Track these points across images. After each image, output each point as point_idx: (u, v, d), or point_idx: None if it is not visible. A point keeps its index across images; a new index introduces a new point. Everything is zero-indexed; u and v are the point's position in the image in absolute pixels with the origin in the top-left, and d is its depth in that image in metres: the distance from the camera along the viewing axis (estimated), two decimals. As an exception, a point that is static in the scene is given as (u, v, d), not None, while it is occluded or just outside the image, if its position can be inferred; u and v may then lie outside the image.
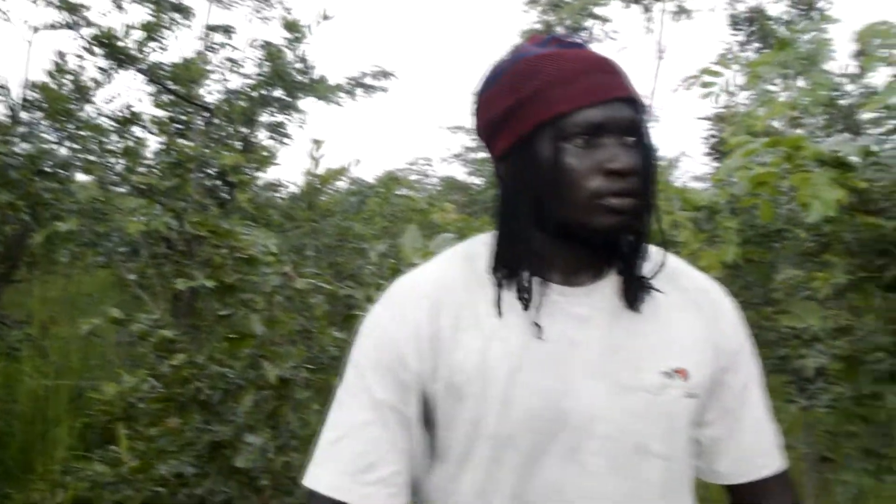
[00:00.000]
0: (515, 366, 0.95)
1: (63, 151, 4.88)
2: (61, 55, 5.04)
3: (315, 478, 0.97)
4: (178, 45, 5.86)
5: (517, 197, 0.96)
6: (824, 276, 2.07)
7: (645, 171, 0.93)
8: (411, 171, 15.86)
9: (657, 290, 1.00)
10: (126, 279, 4.94)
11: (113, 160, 4.55)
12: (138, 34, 4.69)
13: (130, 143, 4.97)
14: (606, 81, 0.93)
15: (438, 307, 0.98)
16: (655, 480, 0.98)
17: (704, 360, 1.01)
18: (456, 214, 6.10)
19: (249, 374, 2.27)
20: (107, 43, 4.47)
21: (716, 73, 2.69)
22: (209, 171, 5.33)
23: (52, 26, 5.78)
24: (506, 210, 0.98)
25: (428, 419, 1.00)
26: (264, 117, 5.93)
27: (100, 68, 4.95)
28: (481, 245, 1.04)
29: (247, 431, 2.26)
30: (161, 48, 4.99)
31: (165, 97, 5.56)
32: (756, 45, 10.24)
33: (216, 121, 5.68)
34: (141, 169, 4.63)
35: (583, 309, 0.98)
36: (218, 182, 5.57)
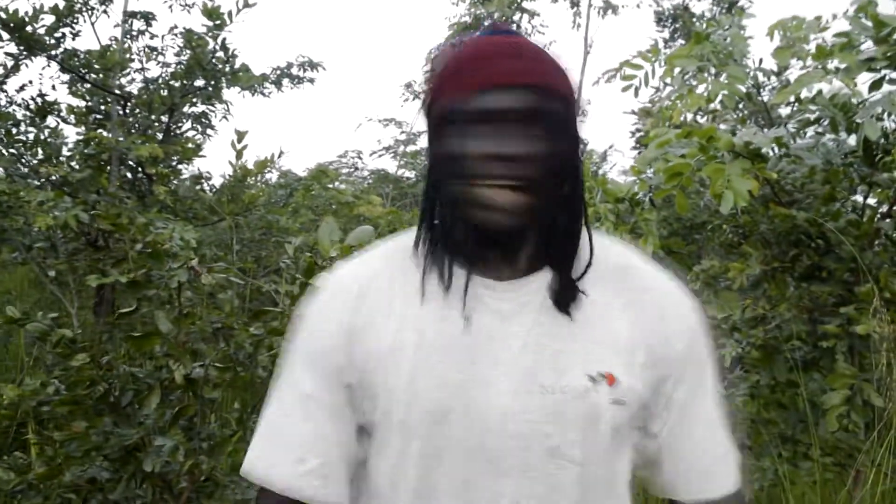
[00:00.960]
0: (425, 355, 0.93)
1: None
2: (-34, 41, 4.78)
3: (251, 466, 1.00)
4: (96, 33, 5.61)
5: (428, 186, 0.96)
6: (739, 267, 2.09)
7: (541, 160, 0.87)
8: (342, 164, 15.71)
9: (583, 293, 0.94)
10: (43, 276, 4.74)
11: (22, 151, 4.33)
12: (48, 19, 4.47)
13: (43, 134, 4.77)
14: (503, 68, 0.88)
15: (360, 300, 0.98)
16: (569, 486, 0.93)
17: (637, 366, 0.94)
18: (383, 208, 6.04)
19: (160, 374, 2.17)
20: (13, 28, 4.25)
21: (636, 66, 2.71)
22: (130, 162, 5.14)
23: (-43, 11, 5.50)
24: (422, 199, 0.98)
25: (356, 408, 0.99)
26: (187, 108, 5.76)
27: (7, 54, 4.71)
28: (411, 238, 1.01)
29: (157, 433, 2.16)
30: (74, 34, 4.77)
31: (81, 86, 5.35)
32: (681, 41, 10.47)
33: (136, 111, 5.49)
34: (54, 160, 4.44)
35: (507, 304, 0.94)
36: (140, 174, 5.39)
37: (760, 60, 2.85)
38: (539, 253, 0.95)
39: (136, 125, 5.48)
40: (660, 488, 1.04)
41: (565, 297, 0.93)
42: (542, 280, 0.95)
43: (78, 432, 2.35)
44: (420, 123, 17.79)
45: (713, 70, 2.48)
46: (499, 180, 0.86)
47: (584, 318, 0.94)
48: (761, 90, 3.10)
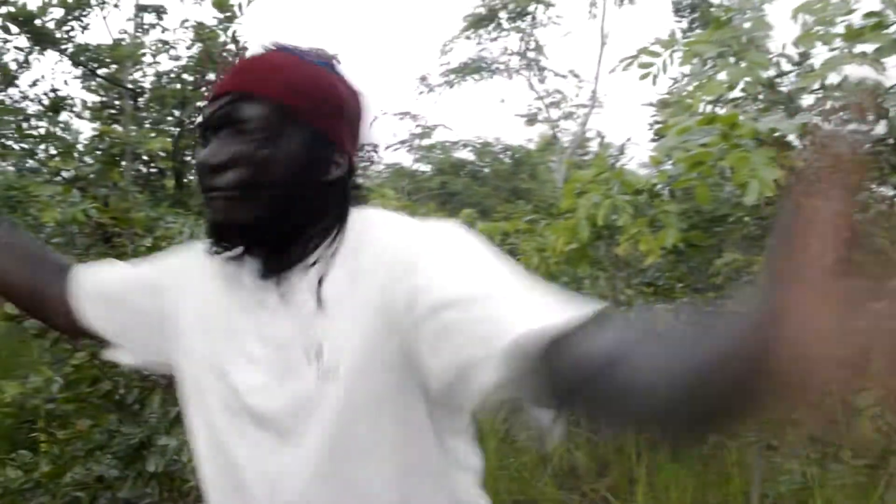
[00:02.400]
0: (198, 329, 1.01)
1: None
2: (-22, 36, 4.75)
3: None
4: (107, 26, 5.58)
5: None
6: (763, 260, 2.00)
7: (244, 166, 0.91)
8: (357, 158, 15.62)
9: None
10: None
11: (32, 146, 4.30)
12: (57, 13, 4.42)
13: (57, 129, 4.74)
14: (228, 80, 0.95)
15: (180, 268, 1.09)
16: (299, 467, 0.92)
17: (357, 335, 0.89)
18: (398, 202, 5.97)
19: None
20: (22, 21, 4.21)
21: (654, 54, 2.62)
22: (143, 157, 5.11)
23: (-31, 5, 5.48)
24: None
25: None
26: (200, 102, 5.72)
27: (17, 48, 4.68)
28: None
29: (161, 433, 2.11)
30: (83, 27, 4.73)
31: (94, 81, 5.32)
32: (699, 31, 10.31)
33: (151, 105, 5.46)
34: (63, 157, 4.40)
35: (259, 296, 0.97)
36: (153, 169, 5.36)
37: (783, 46, 2.75)
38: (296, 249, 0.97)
39: (149, 119, 5.44)
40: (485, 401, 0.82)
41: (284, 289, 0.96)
42: (296, 274, 0.96)
43: (82, 431, 2.31)
44: (424, 117, 17.72)
45: (734, 56, 2.39)
46: (211, 192, 0.92)
47: (313, 296, 0.94)
48: (784, 77, 3.00)
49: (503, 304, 0.78)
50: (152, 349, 1.10)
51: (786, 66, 3.12)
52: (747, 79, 2.22)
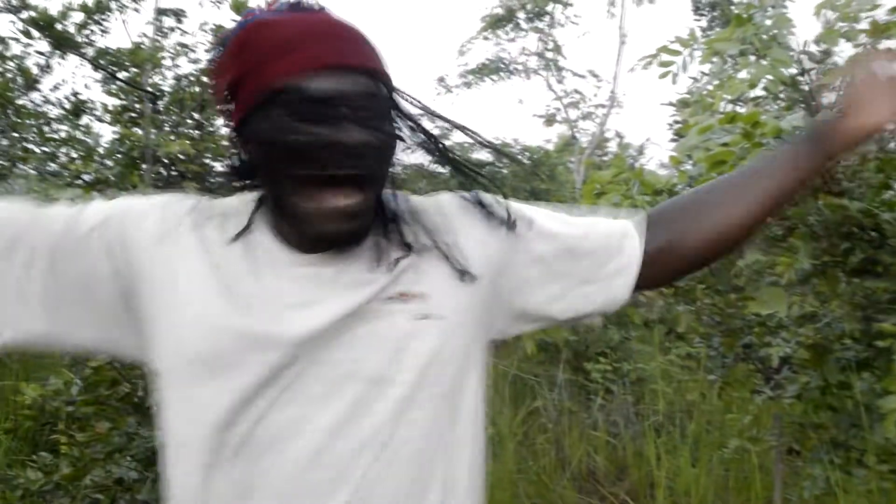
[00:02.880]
0: (224, 303, 0.90)
1: (4, 141, 4.67)
2: (1, 40, 4.81)
3: None
4: (127, 30, 5.63)
5: (256, 168, 0.92)
6: (787, 261, 1.97)
7: (376, 148, 0.88)
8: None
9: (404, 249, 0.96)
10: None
11: (54, 149, 4.34)
12: (78, 17, 4.46)
13: (78, 133, 4.78)
14: (332, 48, 0.86)
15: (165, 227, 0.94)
16: (381, 408, 0.90)
17: (453, 285, 0.96)
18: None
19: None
20: (44, 26, 4.25)
21: (674, 52, 2.58)
22: (163, 160, 5.14)
23: (-8, 10, 5.54)
24: (258, 177, 0.95)
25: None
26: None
27: (38, 52, 4.73)
28: (242, 205, 0.98)
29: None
30: (103, 32, 4.77)
31: (114, 84, 5.35)
32: (719, 30, 10.22)
33: (170, 108, 5.49)
34: (85, 160, 4.43)
35: (310, 269, 0.92)
36: (173, 172, 5.38)
37: (805, 43, 2.70)
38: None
39: (169, 122, 5.47)
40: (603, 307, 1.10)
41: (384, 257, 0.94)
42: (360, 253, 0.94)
43: (101, 433, 2.31)
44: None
45: (756, 54, 2.35)
46: (341, 170, 0.85)
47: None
48: (807, 74, 2.95)
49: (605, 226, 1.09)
50: (68, 320, 0.93)
51: (808, 64, 3.07)
52: (769, 77, 2.18)
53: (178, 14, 5.91)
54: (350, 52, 0.87)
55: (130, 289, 0.93)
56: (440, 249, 0.96)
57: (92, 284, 0.93)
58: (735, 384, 2.96)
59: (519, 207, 1.05)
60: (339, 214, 0.87)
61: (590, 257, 1.05)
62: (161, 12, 5.82)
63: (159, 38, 5.90)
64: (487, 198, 1.04)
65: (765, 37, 2.36)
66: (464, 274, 0.95)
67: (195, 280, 0.91)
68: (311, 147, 0.84)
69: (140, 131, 5.01)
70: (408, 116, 0.95)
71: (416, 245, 0.96)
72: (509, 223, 1.01)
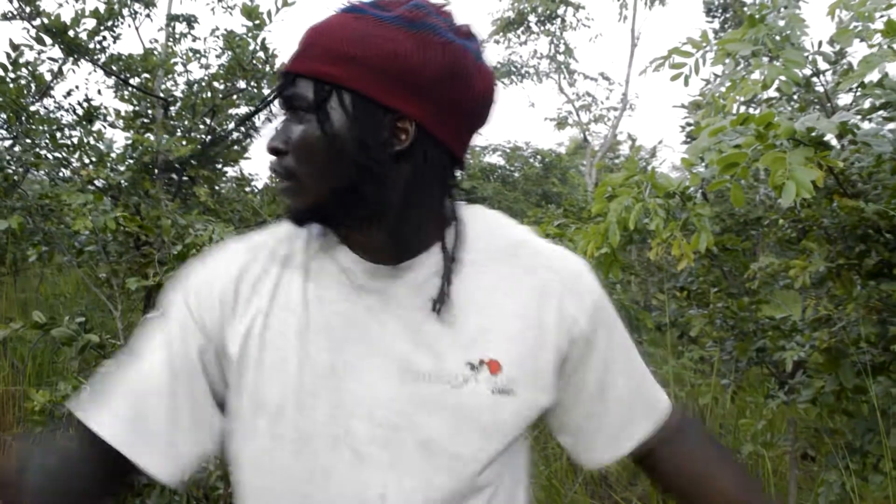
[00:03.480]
0: (295, 335, 0.90)
1: (17, 147, 4.69)
2: (15, 47, 4.83)
3: (95, 421, 0.91)
4: (139, 36, 5.65)
5: None
6: (801, 264, 1.94)
7: (305, 147, 0.86)
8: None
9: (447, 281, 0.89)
10: (92, 278, 4.77)
11: (66, 155, 4.36)
12: (90, 23, 4.48)
13: (90, 139, 4.79)
14: (296, 55, 0.88)
15: (243, 272, 0.95)
16: (441, 481, 0.88)
17: (527, 350, 0.90)
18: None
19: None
20: (57, 33, 4.27)
21: (686, 54, 2.56)
22: (175, 165, 5.15)
23: (5, 16, 5.58)
24: None
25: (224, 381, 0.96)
26: (231, 110, 5.75)
27: (51, 59, 4.75)
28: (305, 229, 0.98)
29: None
30: (115, 38, 4.79)
31: (127, 90, 5.38)
32: (731, 31, 10.16)
33: (182, 113, 5.51)
34: (97, 166, 4.45)
35: (388, 287, 0.90)
36: (184, 177, 5.40)
37: (819, 44, 2.68)
38: (417, 234, 0.91)
39: (180, 127, 5.49)
40: (593, 459, 1.02)
41: (442, 285, 0.89)
42: (427, 263, 0.91)
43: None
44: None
45: (766, 56, 2.33)
46: (277, 170, 0.88)
47: (471, 299, 0.90)
48: (821, 76, 2.92)
49: (649, 391, 1.02)
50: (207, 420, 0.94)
51: (822, 65, 3.04)
52: (782, 78, 2.15)
53: (190, 20, 5.94)
54: (300, 59, 0.87)
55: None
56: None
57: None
58: (748, 388, 2.93)
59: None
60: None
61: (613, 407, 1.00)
62: (173, 18, 5.84)
63: (171, 44, 5.92)
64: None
65: (777, 37, 2.33)
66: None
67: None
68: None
69: (152, 137, 5.02)
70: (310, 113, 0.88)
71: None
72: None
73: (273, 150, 0.87)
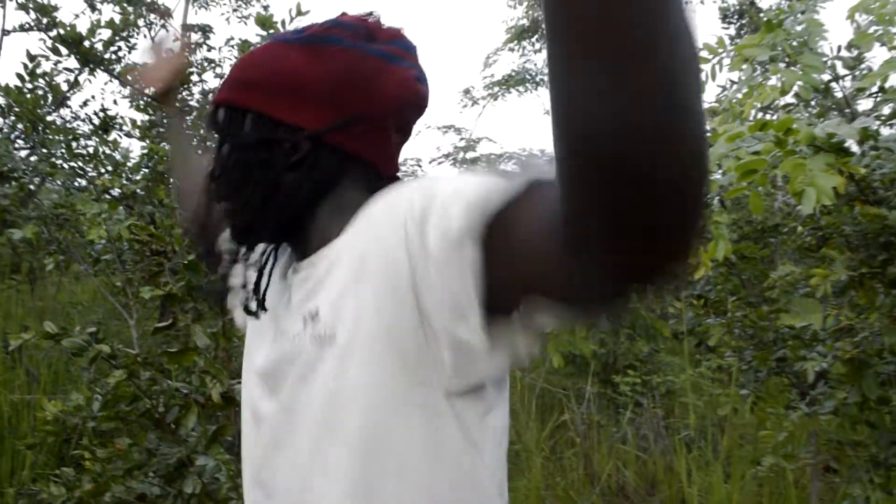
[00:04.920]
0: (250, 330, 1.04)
1: (34, 157, 4.71)
2: (32, 58, 4.87)
3: None
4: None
5: None
6: (823, 273, 1.90)
7: (224, 170, 0.91)
8: (402, 172, 15.68)
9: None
10: (108, 287, 4.79)
11: (82, 164, 4.38)
12: (105, 34, 4.50)
13: (106, 148, 4.82)
14: (223, 83, 0.93)
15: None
16: (302, 443, 0.85)
17: (346, 295, 0.80)
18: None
19: (204, 391, 2.10)
20: (72, 43, 4.29)
21: (702, 60, 2.53)
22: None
23: (23, 28, 5.63)
24: None
25: None
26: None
27: (67, 69, 4.79)
28: None
29: (199, 452, 2.08)
30: (130, 48, 4.81)
31: (142, 100, 5.40)
32: (748, 37, 10.08)
33: (197, 123, 5.52)
34: (112, 175, 4.47)
35: (290, 280, 0.94)
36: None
37: (839, 48, 2.64)
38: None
39: (196, 137, 5.50)
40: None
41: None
42: (324, 253, 0.89)
43: (121, 450, 2.29)
44: (468, 130, 17.80)
45: (786, 60, 2.29)
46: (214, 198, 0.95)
47: (318, 257, 0.89)
48: (840, 81, 2.88)
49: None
50: None
51: (841, 70, 3.00)
52: (801, 83, 2.11)
53: (205, 30, 5.98)
54: (225, 87, 0.92)
55: None
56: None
57: None
58: (768, 399, 2.88)
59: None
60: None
61: None
62: (188, 28, 5.89)
63: (186, 54, 5.97)
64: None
65: (795, 42, 2.29)
66: None
67: None
68: None
69: (167, 146, 5.03)
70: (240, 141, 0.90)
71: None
72: None
73: (209, 176, 0.93)
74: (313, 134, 0.87)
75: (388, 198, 0.81)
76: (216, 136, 0.91)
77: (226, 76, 0.93)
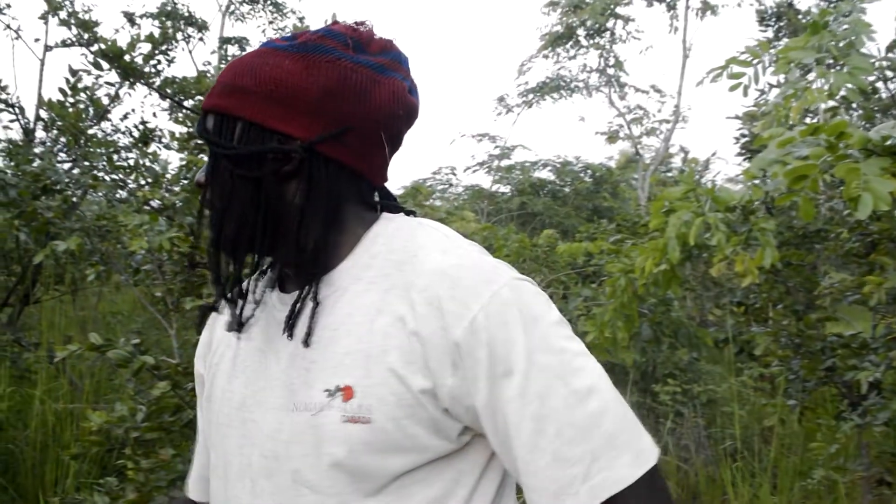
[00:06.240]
0: (225, 368, 0.96)
1: (76, 170, 4.80)
2: (74, 73, 4.96)
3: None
4: (193, 59, 5.77)
5: None
6: (876, 280, 1.84)
7: (213, 177, 0.89)
8: (436, 181, 15.71)
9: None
10: (148, 297, 4.85)
11: (123, 176, 4.44)
12: (145, 48, 4.58)
13: (146, 160, 4.89)
14: (213, 91, 0.90)
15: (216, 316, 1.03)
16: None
17: (392, 372, 0.80)
18: (478, 223, 5.92)
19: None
20: (112, 57, 4.37)
21: (745, 63, 2.48)
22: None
23: (65, 43, 5.74)
24: None
25: None
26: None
27: (108, 83, 4.87)
28: None
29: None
30: (169, 61, 4.88)
31: (181, 112, 5.48)
32: (785, 41, 9.93)
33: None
34: (153, 187, 4.53)
35: (283, 314, 0.90)
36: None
37: (888, 48, 2.57)
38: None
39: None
40: None
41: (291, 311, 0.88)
42: (324, 288, 0.89)
43: (165, 460, 2.31)
44: (503, 137, 17.76)
45: (832, 62, 2.24)
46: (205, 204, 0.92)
47: (345, 323, 0.85)
48: (887, 82, 2.81)
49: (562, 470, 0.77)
50: None
51: (888, 72, 2.93)
52: (849, 85, 2.06)
53: (241, 42, 6.05)
54: (215, 92, 0.89)
55: None
56: None
57: None
58: (815, 409, 2.81)
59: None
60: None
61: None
62: (225, 41, 5.97)
63: (223, 66, 6.04)
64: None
65: (841, 44, 2.24)
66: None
67: None
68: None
69: (205, 158, 5.09)
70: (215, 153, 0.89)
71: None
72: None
73: (198, 184, 0.91)
74: (306, 144, 0.85)
75: (440, 268, 0.83)
76: (206, 143, 0.88)
77: (215, 83, 0.90)
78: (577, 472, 0.76)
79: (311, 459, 0.82)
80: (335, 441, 0.81)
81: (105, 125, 5.40)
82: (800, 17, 10.09)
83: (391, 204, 0.96)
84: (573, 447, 0.77)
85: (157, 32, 4.66)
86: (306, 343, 0.85)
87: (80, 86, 4.94)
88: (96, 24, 4.89)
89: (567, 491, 0.77)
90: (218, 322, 1.01)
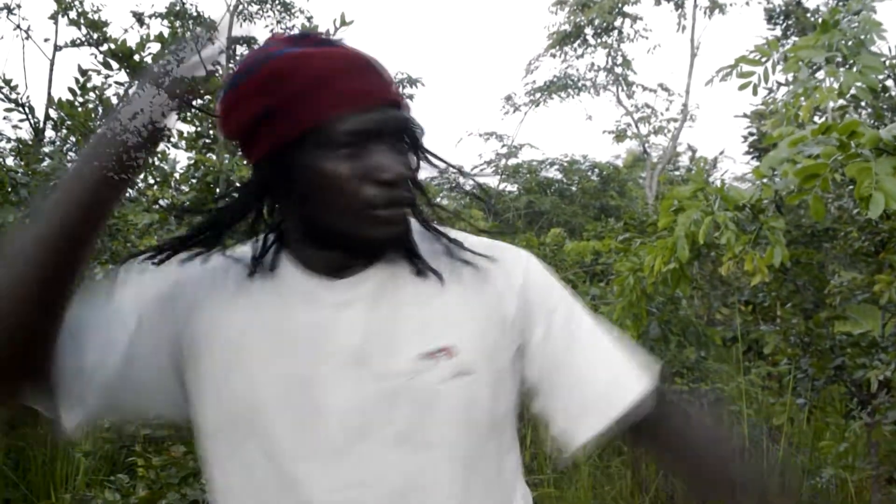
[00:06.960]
0: (266, 348, 0.91)
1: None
2: (83, 72, 4.99)
3: None
4: (202, 59, 5.76)
5: (282, 203, 0.95)
6: (887, 279, 1.84)
7: (415, 176, 0.94)
8: (443, 180, 15.69)
9: (430, 271, 0.94)
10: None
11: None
12: (154, 47, 4.60)
13: (155, 159, 4.90)
14: (372, 83, 0.89)
15: (222, 278, 0.97)
16: (429, 471, 0.90)
17: (479, 333, 0.94)
18: (485, 222, 5.92)
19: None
20: (122, 57, 4.39)
21: (754, 62, 2.48)
22: (237, 184, 5.22)
23: (74, 43, 5.76)
24: (273, 213, 0.98)
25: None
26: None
27: (117, 83, 4.89)
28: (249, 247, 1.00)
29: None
30: (178, 61, 4.89)
31: (189, 111, 5.50)
32: (794, 39, 9.91)
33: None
34: (161, 186, 4.55)
35: (342, 297, 0.93)
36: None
37: (897, 48, 2.56)
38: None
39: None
40: (571, 438, 0.97)
41: (412, 276, 0.94)
42: (379, 271, 0.94)
43: (176, 457, 2.32)
44: (510, 136, 17.73)
45: (843, 61, 2.24)
46: (399, 199, 0.88)
47: (418, 298, 0.94)
48: (897, 81, 2.80)
49: (607, 366, 0.98)
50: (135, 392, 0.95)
51: (898, 70, 2.92)
52: (860, 84, 2.06)
53: (250, 42, 6.06)
54: (384, 86, 0.90)
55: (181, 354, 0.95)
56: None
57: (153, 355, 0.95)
58: (824, 408, 2.81)
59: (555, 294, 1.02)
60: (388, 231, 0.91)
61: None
62: (233, 41, 5.97)
63: (232, 66, 6.05)
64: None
65: (851, 42, 2.24)
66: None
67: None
68: (356, 181, 0.87)
69: (214, 157, 5.11)
70: (424, 147, 0.97)
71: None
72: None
73: (402, 178, 0.88)
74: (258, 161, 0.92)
75: (490, 250, 0.99)
76: (408, 133, 0.94)
77: (386, 73, 0.94)
78: (632, 363, 0.98)
79: (421, 418, 0.89)
80: (451, 396, 0.90)
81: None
82: (808, 15, 10.06)
83: None
84: (621, 349, 0.99)
85: (166, 32, 4.68)
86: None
87: (89, 85, 4.96)
88: (106, 23, 4.92)
89: (632, 373, 0.97)
90: (227, 284, 0.96)
